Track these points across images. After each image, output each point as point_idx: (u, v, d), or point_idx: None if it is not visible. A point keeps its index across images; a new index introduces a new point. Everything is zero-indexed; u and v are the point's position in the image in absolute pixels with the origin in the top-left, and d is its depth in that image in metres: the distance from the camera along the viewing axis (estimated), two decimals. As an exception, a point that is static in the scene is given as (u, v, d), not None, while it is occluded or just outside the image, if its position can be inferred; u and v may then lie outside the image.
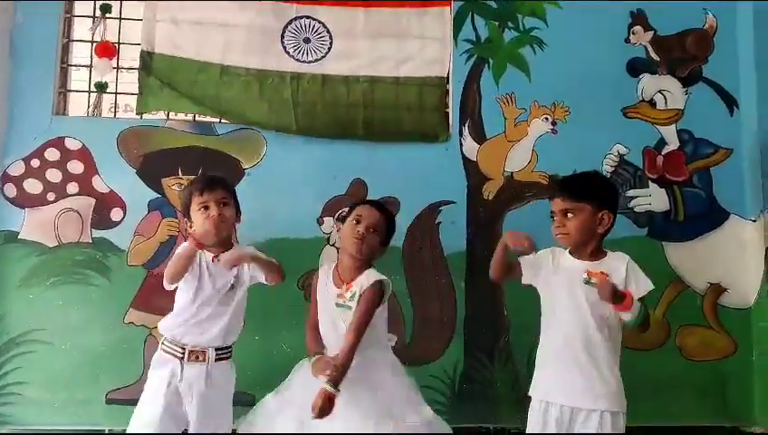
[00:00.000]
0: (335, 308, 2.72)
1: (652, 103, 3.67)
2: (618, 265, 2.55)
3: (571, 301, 2.54)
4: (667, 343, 3.53)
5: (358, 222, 2.75)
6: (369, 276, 2.72)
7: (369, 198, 3.42)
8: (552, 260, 2.68)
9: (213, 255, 2.75)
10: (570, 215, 2.56)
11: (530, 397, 2.63)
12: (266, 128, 3.50)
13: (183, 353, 2.68)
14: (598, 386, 2.47)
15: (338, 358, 2.57)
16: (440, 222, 3.51)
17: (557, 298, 2.60)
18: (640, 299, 2.49)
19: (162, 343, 2.74)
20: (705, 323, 3.56)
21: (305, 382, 2.66)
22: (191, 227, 2.76)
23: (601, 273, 2.50)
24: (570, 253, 2.65)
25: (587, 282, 2.51)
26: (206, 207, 2.72)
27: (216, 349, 2.71)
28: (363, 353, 2.62)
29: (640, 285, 2.53)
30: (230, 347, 2.78)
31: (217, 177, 2.92)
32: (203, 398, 2.66)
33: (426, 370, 3.35)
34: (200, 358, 2.68)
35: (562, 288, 2.59)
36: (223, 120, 3.53)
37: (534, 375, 2.64)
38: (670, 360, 3.52)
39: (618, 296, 2.41)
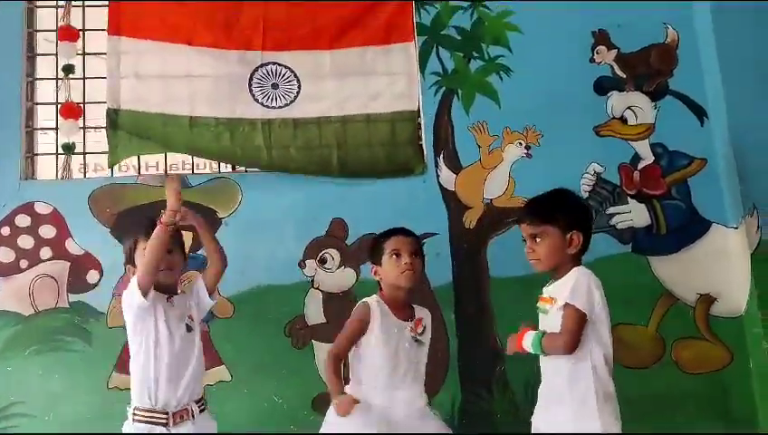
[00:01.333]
0: (413, 343, 2.66)
1: (623, 120, 3.69)
2: (568, 281, 2.39)
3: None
4: (663, 359, 3.48)
5: (398, 255, 2.69)
6: (421, 310, 2.77)
7: (349, 236, 3.41)
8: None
9: (166, 296, 2.65)
10: (538, 239, 2.45)
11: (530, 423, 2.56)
12: (240, 164, 3.48)
13: (167, 418, 2.54)
14: (575, 409, 2.32)
15: None
16: (424, 255, 3.45)
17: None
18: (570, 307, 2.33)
19: (134, 413, 2.56)
20: (698, 334, 3.53)
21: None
22: (134, 274, 2.65)
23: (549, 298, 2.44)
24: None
25: (540, 310, 2.45)
26: None
27: (196, 401, 2.60)
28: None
29: (574, 294, 2.33)
30: (203, 396, 2.67)
31: None
32: None
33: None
34: (185, 417, 2.56)
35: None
36: (195, 158, 3.50)
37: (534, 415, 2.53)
38: (668, 375, 3.47)
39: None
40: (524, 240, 2.53)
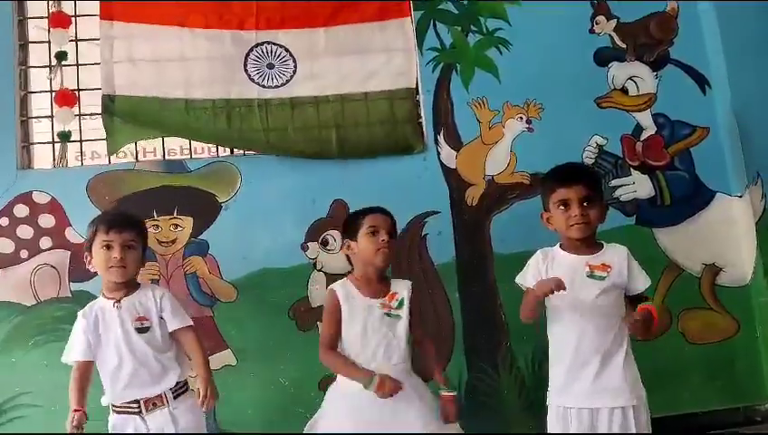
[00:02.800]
0: (384, 318, 2.65)
1: (624, 91, 3.65)
2: (618, 259, 2.49)
3: (575, 298, 2.45)
4: (670, 330, 3.47)
5: (375, 232, 2.69)
6: (399, 283, 2.75)
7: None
8: (544, 262, 2.59)
9: (114, 300, 2.65)
10: (586, 204, 2.47)
11: (541, 402, 2.55)
12: (238, 148, 3.45)
13: (139, 407, 2.55)
14: (614, 382, 2.39)
15: (436, 363, 2.75)
16: (427, 234, 3.44)
17: (561, 298, 2.48)
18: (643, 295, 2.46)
19: (112, 407, 2.61)
20: (705, 305, 3.52)
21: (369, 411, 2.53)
22: (90, 263, 2.66)
23: (603, 265, 2.46)
24: (562, 248, 2.57)
25: (590, 275, 2.45)
26: (108, 247, 2.62)
27: (171, 389, 2.59)
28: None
29: (640, 281, 2.49)
30: (183, 382, 2.65)
31: (128, 217, 2.81)
32: None
33: (430, 386, 3.25)
34: (158, 404, 2.56)
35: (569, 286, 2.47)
36: (193, 143, 3.48)
37: (549, 382, 2.55)
38: (674, 346, 3.46)
39: (649, 325, 2.35)
40: (559, 206, 2.51)
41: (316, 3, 3.56)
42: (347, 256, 2.84)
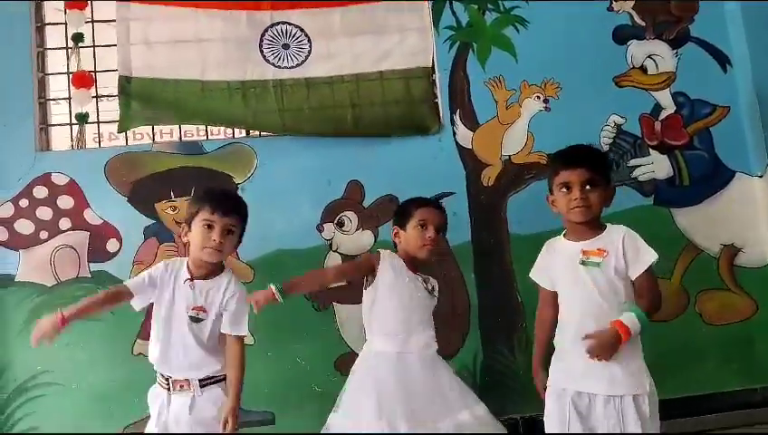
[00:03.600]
0: (422, 295, 2.76)
1: (643, 69, 3.60)
2: (616, 241, 2.41)
3: (575, 285, 2.43)
4: (687, 311, 3.45)
5: (424, 226, 2.74)
6: (431, 279, 2.85)
7: (366, 198, 3.40)
8: (547, 254, 2.60)
9: (188, 277, 2.65)
10: (588, 187, 2.42)
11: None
12: (253, 129, 3.46)
13: (168, 385, 2.59)
14: (614, 370, 2.33)
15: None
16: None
17: (561, 285, 2.51)
18: (648, 271, 2.38)
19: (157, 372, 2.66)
20: (723, 286, 3.49)
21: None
22: (186, 236, 2.66)
23: (598, 250, 2.41)
24: (565, 235, 2.56)
25: (584, 262, 2.41)
26: (210, 227, 2.60)
27: (200, 379, 2.60)
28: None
29: (641, 257, 2.38)
30: (215, 376, 2.64)
31: (235, 200, 2.78)
32: (188, 428, 2.55)
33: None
34: (185, 387, 2.58)
35: (564, 274, 2.49)
36: (209, 126, 3.50)
37: (551, 366, 2.53)
38: (692, 327, 3.44)
39: (615, 344, 2.29)
40: (562, 188, 2.47)
41: (331, -19, 3.55)
42: (393, 241, 2.90)
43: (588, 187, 2.42)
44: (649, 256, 2.39)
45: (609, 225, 2.49)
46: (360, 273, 2.83)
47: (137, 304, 2.67)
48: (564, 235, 2.56)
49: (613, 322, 2.31)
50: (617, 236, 2.42)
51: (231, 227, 2.63)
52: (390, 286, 2.74)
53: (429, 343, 2.73)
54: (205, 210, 2.61)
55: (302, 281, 2.82)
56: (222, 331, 2.65)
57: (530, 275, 2.66)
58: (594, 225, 2.47)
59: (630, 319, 2.31)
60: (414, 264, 2.81)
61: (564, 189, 2.46)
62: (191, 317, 2.62)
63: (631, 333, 2.29)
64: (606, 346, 2.30)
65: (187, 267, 2.68)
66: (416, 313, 2.73)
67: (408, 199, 2.94)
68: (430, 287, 2.82)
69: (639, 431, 2.29)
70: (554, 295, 2.56)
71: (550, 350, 2.58)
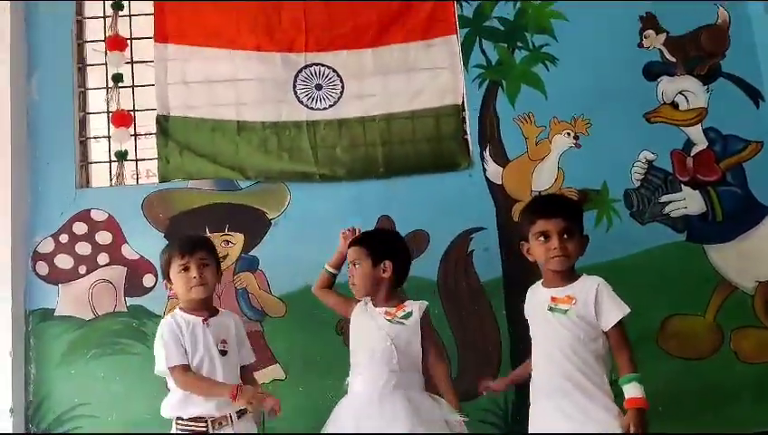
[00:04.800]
0: (385, 324, 2.73)
1: (674, 105, 3.59)
2: (586, 291, 2.46)
3: (545, 332, 2.50)
4: (722, 349, 3.40)
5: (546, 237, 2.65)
6: (414, 302, 2.82)
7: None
8: (528, 299, 2.68)
9: (202, 318, 2.73)
10: (566, 236, 2.48)
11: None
12: (290, 180, 3.50)
13: (206, 424, 2.61)
14: (590, 412, 2.36)
15: (447, 388, 2.72)
16: (473, 250, 3.44)
17: (534, 332, 2.57)
18: (620, 323, 2.42)
19: (177, 422, 2.65)
20: (758, 323, 3.43)
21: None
22: (171, 290, 2.80)
23: (567, 297, 2.46)
24: (542, 282, 2.61)
25: (551, 308, 2.46)
26: (186, 269, 2.72)
27: (237, 412, 2.64)
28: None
29: (613, 311, 2.42)
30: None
31: (198, 238, 2.98)
32: None
33: (477, 404, 3.25)
34: (224, 423, 2.62)
35: (536, 320, 2.57)
36: (244, 177, 3.54)
37: (530, 413, 2.56)
38: (727, 366, 3.38)
39: (643, 420, 2.32)
40: (543, 235, 2.51)
41: (364, 20, 3.62)
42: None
43: (565, 236, 2.47)
44: (621, 310, 2.42)
45: (585, 275, 2.53)
46: (343, 308, 2.97)
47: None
48: (542, 282, 2.62)
49: (627, 405, 2.34)
50: (590, 285, 2.48)
51: (204, 261, 2.75)
52: (351, 327, 2.85)
53: (387, 377, 2.67)
54: (175, 257, 2.75)
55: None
56: (245, 362, 2.81)
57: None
58: (569, 273, 2.52)
59: (635, 389, 2.35)
60: (379, 296, 2.82)
61: (542, 238, 2.51)
62: (220, 351, 2.70)
63: (646, 401, 2.33)
64: (639, 426, 2.31)
65: (186, 312, 2.76)
66: (371, 346, 2.72)
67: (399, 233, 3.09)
68: (401, 314, 2.76)
69: None
70: None
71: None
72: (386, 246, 2.86)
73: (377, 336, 2.72)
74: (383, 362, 2.68)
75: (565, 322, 2.44)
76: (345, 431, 2.61)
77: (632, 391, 2.35)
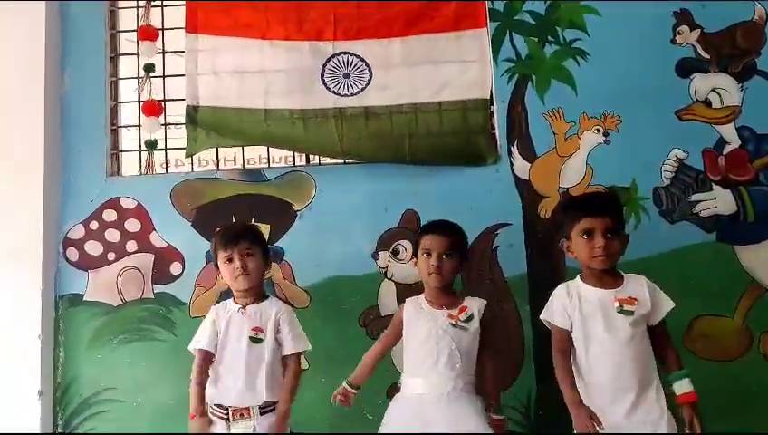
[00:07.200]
0: (450, 329, 2.70)
1: (707, 103, 3.53)
2: (639, 289, 2.49)
3: (610, 333, 2.46)
4: (751, 351, 3.34)
5: (428, 254, 2.76)
6: (473, 300, 2.80)
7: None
8: (569, 297, 2.59)
9: (239, 306, 2.79)
10: (611, 235, 2.47)
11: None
12: (313, 153, 3.56)
13: (227, 414, 2.65)
14: (653, 414, 2.38)
15: (492, 388, 2.76)
16: (498, 246, 3.43)
17: (592, 333, 2.50)
18: (664, 319, 2.48)
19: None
20: (789, 326, 3.37)
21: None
22: (219, 275, 2.91)
23: (630, 298, 2.47)
24: (583, 280, 2.58)
25: (620, 311, 2.45)
26: (231, 260, 2.78)
27: (260, 407, 2.67)
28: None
29: (663, 306, 2.48)
30: (274, 403, 2.72)
31: (241, 227, 3.03)
32: None
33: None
34: (245, 415, 2.65)
35: (597, 321, 2.50)
36: (270, 147, 3.62)
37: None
38: (756, 368, 3.31)
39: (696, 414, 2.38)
40: (587, 233, 2.50)
41: (392, 12, 3.61)
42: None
43: (609, 235, 2.46)
44: (668, 305, 2.49)
45: (625, 273, 2.56)
46: (397, 329, 2.86)
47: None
48: (582, 279, 2.59)
49: (682, 400, 2.40)
50: (639, 285, 2.51)
51: (247, 251, 2.80)
52: (407, 328, 2.79)
53: (447, 383, 2.67)
54: (220, 250, 2.82)
55: (364, 369, 2.87)
56: (285, 353, 2.80)
57: (542, 316, 2.68)
58: (615, 273, 2.53)
59: (689, 385, 2.41)
60: (435, 294, 2.80)
61: (585, 236, 2.49)
62: (251, 338, 2.74)
63: (696, 395, 2.38)
64: (695, 421, 2.37)
65: (234, 301, 2.84)
66: (433, 352, 2.69)
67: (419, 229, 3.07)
68: (463, 317, 2.75)
69: None
70: (569, 335, 2.57)
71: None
72: (465, 243, 2.90)
73: (441, 340, 2.70)
74: (449, 367, 2.67)
75: (633, 322, 2.45)
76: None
77: (686, 386, 2.40)
